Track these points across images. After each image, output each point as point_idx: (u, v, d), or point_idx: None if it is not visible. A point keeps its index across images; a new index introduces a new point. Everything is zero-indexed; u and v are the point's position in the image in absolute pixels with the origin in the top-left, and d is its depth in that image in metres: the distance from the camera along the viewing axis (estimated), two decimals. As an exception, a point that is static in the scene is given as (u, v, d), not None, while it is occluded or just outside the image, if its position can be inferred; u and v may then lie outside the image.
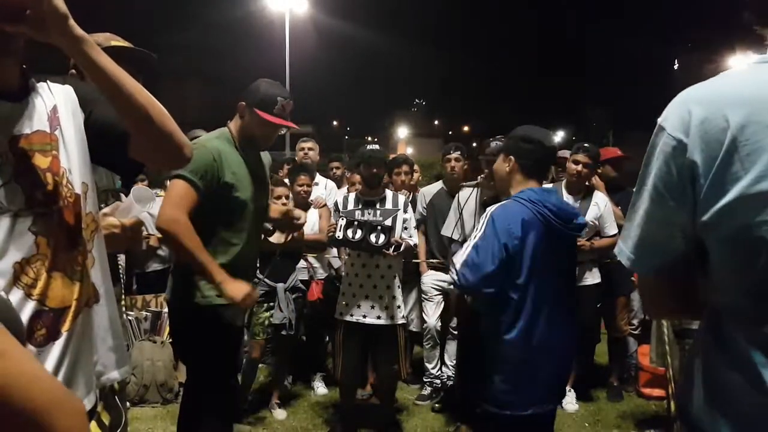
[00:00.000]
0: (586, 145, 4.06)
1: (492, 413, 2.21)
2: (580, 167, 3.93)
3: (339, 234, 3.38)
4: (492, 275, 2.06)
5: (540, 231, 2.14)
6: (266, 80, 2.61)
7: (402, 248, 3.36)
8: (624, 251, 1.07)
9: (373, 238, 3.34)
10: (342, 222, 3.40)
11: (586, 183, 4.03)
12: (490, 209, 2.18)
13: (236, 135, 2.53)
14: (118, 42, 1.99)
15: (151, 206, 1.78)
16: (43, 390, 0.64)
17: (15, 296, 1.06)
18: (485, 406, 2.23)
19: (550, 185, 4.21)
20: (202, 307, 2.41)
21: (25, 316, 1.07)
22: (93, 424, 1.26)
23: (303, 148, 4.91)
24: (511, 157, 2.27)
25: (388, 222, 3.42)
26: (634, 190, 1.07)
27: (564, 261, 2.31)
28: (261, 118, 2.47)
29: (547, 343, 2.17)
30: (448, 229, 3.80)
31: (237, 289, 2.27)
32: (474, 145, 11.85)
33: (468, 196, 3.71)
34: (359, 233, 3.36)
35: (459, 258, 2.11)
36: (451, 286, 4.08)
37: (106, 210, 1.67)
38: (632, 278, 4.33)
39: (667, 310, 1.30)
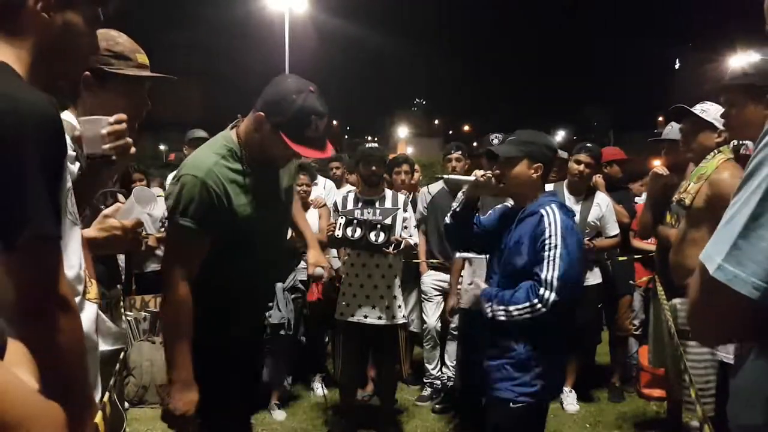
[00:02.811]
0: (588, 145, 4.03)
1: (534, 405, 2.24)
2: (582, 167, 3.91)
3: (338, 233, 3.37)
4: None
5: None
6: (296, 84, 1.89)
7: (402, 247, 3.35)
8: (746, 278, 0.83)
9: (372, 236, 3.33)
10: (341, 221, 3.39)
11: (588, 183, 4.01)
12: (555, 218, 2.19)
13: (245, 147, 1.93)
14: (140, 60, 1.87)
15: (152, 207, 1.77)
16: (15, 403, 0.61)
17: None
18: (530, 399, 2.22)
19: (550, 186, 4.20)
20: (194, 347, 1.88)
21: (92, 314, 1.29)
22: (99, 415, 1.34)
23: None
24: (540, 164, 2.31)
25: (388, 221, 3.41)
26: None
27: None
28: (286, 144, 1.85)
29: None
30: None
31: (181, 399, 1.85)
32: (474, 144, 11.92)
33: None
34: (359, 232, 3.34)
35: (548, 274, 2.11)
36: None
37: (107, 211, 1.67)
38: (631, 281, 4.33)
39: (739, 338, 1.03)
